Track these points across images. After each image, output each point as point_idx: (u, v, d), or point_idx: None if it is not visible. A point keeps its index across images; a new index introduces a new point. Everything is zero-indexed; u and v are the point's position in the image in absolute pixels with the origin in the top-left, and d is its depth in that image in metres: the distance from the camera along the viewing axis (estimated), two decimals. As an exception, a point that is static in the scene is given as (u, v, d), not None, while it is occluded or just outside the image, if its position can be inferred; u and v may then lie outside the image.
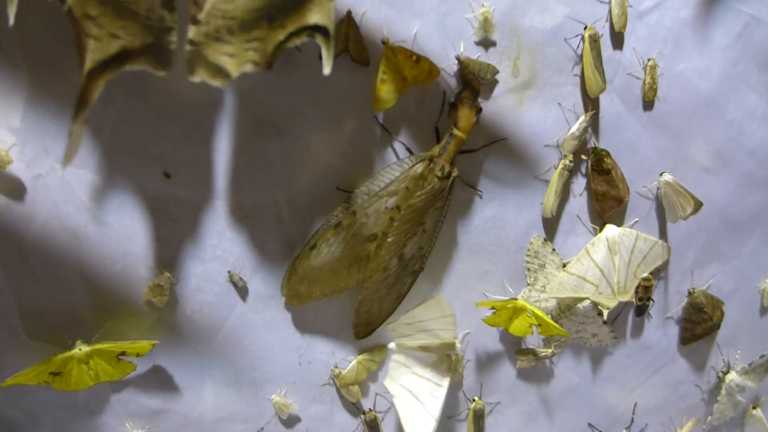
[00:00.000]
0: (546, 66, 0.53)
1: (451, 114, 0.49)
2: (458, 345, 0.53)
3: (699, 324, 0.63)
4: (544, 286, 0.56)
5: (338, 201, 0.49)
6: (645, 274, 0.57)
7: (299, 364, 0.53)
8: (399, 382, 0.54)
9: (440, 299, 0.53)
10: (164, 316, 0.49)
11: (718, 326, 0.64)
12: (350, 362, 0.53)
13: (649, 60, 0.55)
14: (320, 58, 0.46)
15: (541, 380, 0.60)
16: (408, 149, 0.50)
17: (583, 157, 0.55)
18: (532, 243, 0.56)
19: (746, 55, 0.59)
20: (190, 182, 0.47)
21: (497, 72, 0.51)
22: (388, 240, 0.49)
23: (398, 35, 0.48)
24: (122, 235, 0.46)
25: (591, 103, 0.55)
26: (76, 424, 0.49)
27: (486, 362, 0.58)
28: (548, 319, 0.52)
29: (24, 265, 0.45)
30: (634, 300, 0.59)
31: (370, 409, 0.55)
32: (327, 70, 0.37)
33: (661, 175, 0.58)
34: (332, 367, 0.53)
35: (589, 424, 0.63)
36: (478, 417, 0.57)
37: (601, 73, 0.53)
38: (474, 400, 0.57)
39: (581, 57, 0.53)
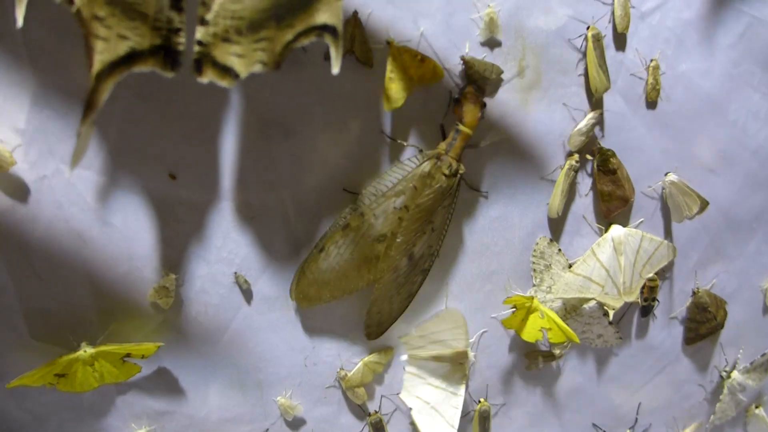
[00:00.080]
0: (550, 67, 0.53)
1: (455, 110, 0.49)
2: (470, 354, 0.53)
3: (703, 324, 0.63)
4: (550, 287, 0.56)
5: (345, 202, 0.49)
6: (650, 275, 0.57)
7: (305, 365, 0.53)
8: (415, 394, 0.54)
9: (451, 311, 0.53)
10: (169, 317, 0.48)
11: (722, 326, 0.64)
12: (356, 364, 0.53)
13: (651, 61, 0.55)
14: (325, 58, 0.47)
15: (546, 381, 0.60)
16: (419, 149, 0.50)
17: (589, 157, 0.55)
18: (537, 243, 0.56)
19: (749, 56, 0.60)
20: (196, 183, 0.47)
21: (502, 72, 0.51)
22: (398, 240, 0.49)
23: (404, 36, 0.48)
24: (127, 236, 0.46)
25: (596, 102, 0.55)
26: (81, 425, 0.49)
27: (491, 364, 0.58)
28: (560, 321, 0.52)
29: (29, 266, 0.44)
30: (639, 300, 0.59)
31: (375, 411, 0.55)
32: (335, 69, 0.37)
33: (666, 175, 0.58)
34: (338, 369, 0.53)
35: (594, 425, 0.63)
36: (484, 418, 0.57)
37: (605, 71, 0.53)
38: (480, 401, 0.57)
39: (585, 55, 0.53)
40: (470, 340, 0.54)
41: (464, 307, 0.55)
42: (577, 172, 0.55)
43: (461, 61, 0.49)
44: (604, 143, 0.56)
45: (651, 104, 0.57)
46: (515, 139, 0.53)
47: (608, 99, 0.55)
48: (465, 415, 0.57)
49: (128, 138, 0.45)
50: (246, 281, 0.49)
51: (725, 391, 0.66)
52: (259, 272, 0.50)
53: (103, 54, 0.35)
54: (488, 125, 0.51)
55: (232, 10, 0.37)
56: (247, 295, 0.50)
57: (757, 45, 0.59)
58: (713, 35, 0.58)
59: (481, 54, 0.50)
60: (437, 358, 0.53)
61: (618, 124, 0.56)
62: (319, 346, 0.53)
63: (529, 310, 0.53)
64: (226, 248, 0.48)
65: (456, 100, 0.49)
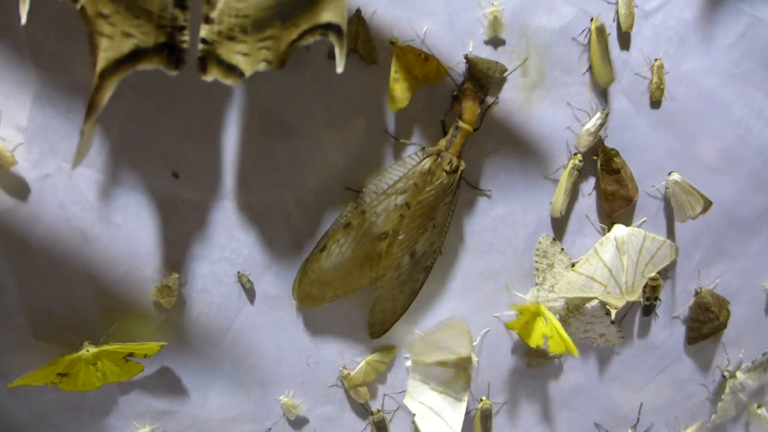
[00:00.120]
0: (554, 66, 0.53)
1: (454, 107, 0.48)
2: (474, 359, 0.53)
3: (706, 323, 0.63)
4: (552, 286, 0.56)
5: (348, 200, 0.49)
6: (653, 274, 0.57)
7: (307, 365, 0.52)
8: (419, 400, 0.54)
9: (456, 320, 0.53)
10: (172, 317, 0.48)
11: (725, 326, 0.64)
12: (359, 363, 0.53)
13: (656, 60, 0.55)
14: (329, 57, 0.46)
15: (548, 380, 0.60)
16: (422, 147, 0.50)
17: (594, 157, 0.55)
18: (540, 243, 0.56)
19: (750, 55, 0.59)
20: (199, 182, 0.47)
21: (506, 70, 0.50)
22: (400, 237, 0.49)
23: (408, 34, 0.47)
24: (130, 235, 0.46)
25: (602, 94, 0.54)
26: (84, 425, 0.49)
27: (493, 362, 0.58)
28: (563, 331, 0.52)
29: (31, 265, 0.44)
30: (641, 300, 0.59)
31: (378, 410, 0.55)
32: (340, 68, 0.37)
33: (669, 174, 0.58)
34: (340, 368, 0.53)
35: (595, 424, 0.63)
36: (486, 417, 0.57)
37: (610, 63, 0.53)
38: (482, 400, 0.57)
39: (589, 48, 0.53)
40: (473, 344, 0.54)
41: (466, 306, 0.55)
42: (580, 171, 0.55)
43: (465, 60, 0.49)
44: (608, 142, 0.55)
45: (655, 104, 0.57)
46: (518, 138, 0.53)
47: (612, 98, 0.55)
48: (467, 414, 0.57)
49: (131, 136, 0.44)
50: (249, 280, 0.49)
51: (727, 390, 0.66)
52: (262, 271, 0.49)
53: (107, 52, 0.35)
54: (492, 126, 0.51)
55: (236, 9, 0.37)
56: (250, 294, 0.50)
57: (758, 45, 0.59)
58: (714, 35, 0.58)
59: (486, 53, 0.50)
60: (442, 364, 0.53)
61: (622, 123, 0.56)
62: (322, 345, 0.52)
63: (535, 315, 0.53)
64: (229, 247, 0.48)
65: (455, 97, 0.48)
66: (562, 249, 0.56)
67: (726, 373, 0.66)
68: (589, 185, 0.57)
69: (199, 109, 0.45)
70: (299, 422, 0.54)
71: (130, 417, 0.49)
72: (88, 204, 0.45)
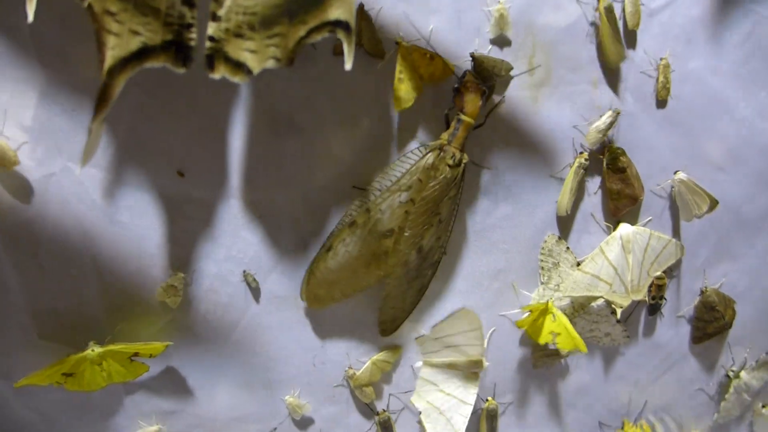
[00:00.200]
0: (560, 64, 0.52)
1: (456, 100, 0.48)
2: (485, 363, 0.53)
3: (711, 323, 0.63)
4: (558, 285, 0.56)
5: (354, 199, 0.49)
6: (658, 273, 0.57)
7: (313, 364, 0.52)
8: (426, 399, 0.54)
9: (467, 312, 0.53)
10: (177, 316, 0.48)
11: (731, 325, 0.64)
12: (364, 363, 0.53)
13: (661, 59, 0.55)
14: (334, 54, 0.46)
15: (553, 380, 0.60)
16: (425, 146, 0.49)
17: (600, 156, 0.55)
18: (546, 241, 0.56)
19: (756, 54, 0.59)
20: (204, 181, 0.46)
21: (511, 68, 0.50)
22: (406, 234, 0.49)
23: (414, 33, 0.47)
24: (135, 234, 0.46)
25: (613, 72, 0.55)
26: (89, 424, 0.49)
27: (499, 362, 0.57)
28: (571, 328, 0.52)
29: (36, 265, 0.44)
30: (647, 299, 0.59)
31: (383, 409, 0.54)
32: (348, 65, 0.37)
33: (675, 173, 0.57)
34: (346, 368, 0.53)
35: (601, 423, 0.63)
36: (492, 417, 0.57)
37: (620, 41, 0.52)
38: (487, 399, 0.57)
39: (598, 29, 0.53)
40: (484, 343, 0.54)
41: (472, 304, 0.54)
42: (586, 170, 0.54)
43: (471, 58, 0.49)
44: (614, 141, 0.55)
45: (661, 103, 0.57)
46: (524, 137, 0.53)
47: (618, 97, 0.55)
48: (473, 413, 0.57)
49: (136, 135, 0.44)
50: (255, 280, 0.49)
51: (731, 390, 0.66)
52: (268, 271, 0.49)
53: (115, 49, 0.35)
54: (497, 125, 0.51)
55: (244, 6, 0.36)
56: (256, 293, 0.50)
57: (765, 43, 0.59)
58: (721, 33, 0.58)
59: (492, 51, 0.50)
60: (451, 366, 0.53)
61: (628, 122, 0.56)
62: (328, 345, 0.52)
63: (544, 313, 0.53)
64: (235, 247, 0.48)
65: (456, 90, 0.48)
66: (568, 248, 0.56)
67: (730, 373, 0.66)
68: (594, 184, 0.56)
69: (206, 108, 0.45)
70: (305, 422, 0.54)
71: (136, 417, 0.49)
72: (93, 203, 0.44)
